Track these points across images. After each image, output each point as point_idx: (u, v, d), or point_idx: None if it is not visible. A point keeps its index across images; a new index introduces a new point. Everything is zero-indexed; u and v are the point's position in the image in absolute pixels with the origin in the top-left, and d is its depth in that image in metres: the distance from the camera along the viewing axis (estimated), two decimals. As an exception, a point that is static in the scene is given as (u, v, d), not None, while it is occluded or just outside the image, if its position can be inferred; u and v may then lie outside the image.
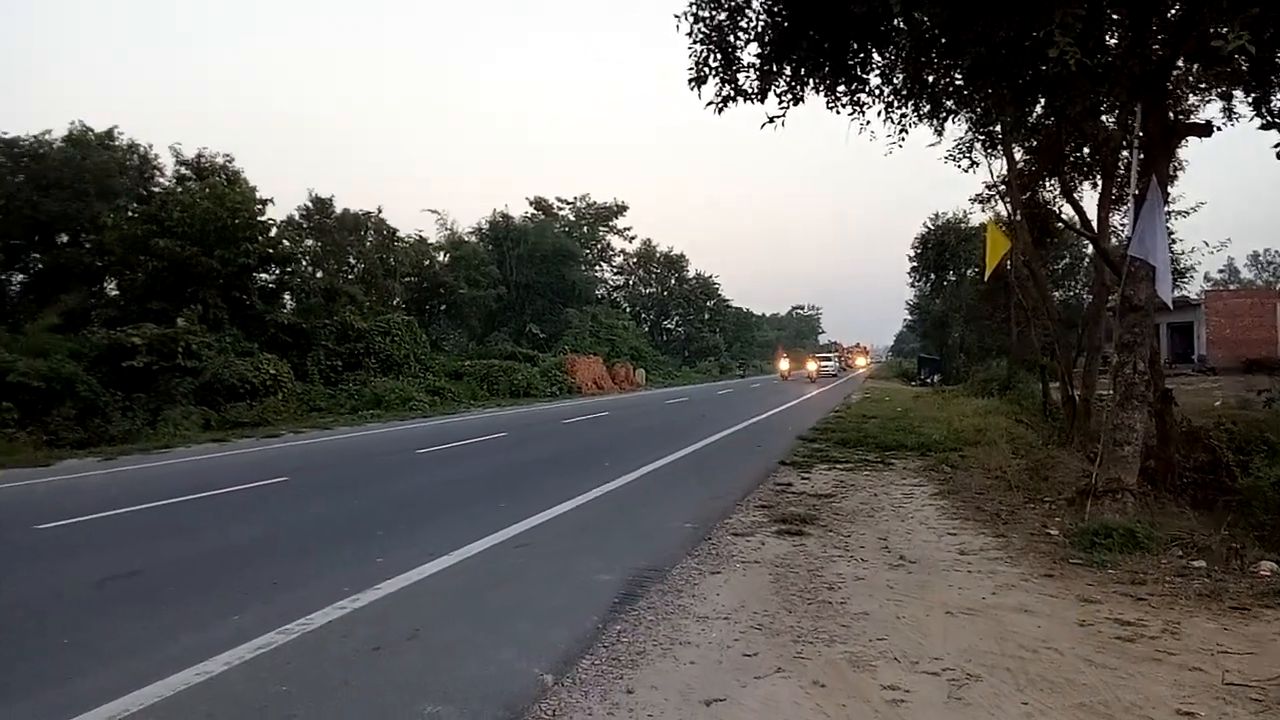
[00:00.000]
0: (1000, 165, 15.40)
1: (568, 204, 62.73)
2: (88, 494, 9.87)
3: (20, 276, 29.87)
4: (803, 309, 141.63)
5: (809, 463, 11.64)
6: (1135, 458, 7.53)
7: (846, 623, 4.67)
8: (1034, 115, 11.00)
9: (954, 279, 42.81)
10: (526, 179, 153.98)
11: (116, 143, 30.59)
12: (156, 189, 29.62)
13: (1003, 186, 16.00)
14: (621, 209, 64.67)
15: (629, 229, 66.23)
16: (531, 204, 60.03)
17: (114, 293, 28.39)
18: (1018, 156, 14.63)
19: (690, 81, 8.81)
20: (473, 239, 49.08)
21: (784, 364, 56.86)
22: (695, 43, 8.74)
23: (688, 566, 5.94)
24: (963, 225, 39.03)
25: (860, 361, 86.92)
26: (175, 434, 17.14)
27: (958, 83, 8.76)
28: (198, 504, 8.85)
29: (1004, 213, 17.78)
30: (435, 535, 6.99)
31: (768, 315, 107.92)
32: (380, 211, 38.87)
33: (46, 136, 28.95)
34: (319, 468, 12.13)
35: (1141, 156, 7.82)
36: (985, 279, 17.45)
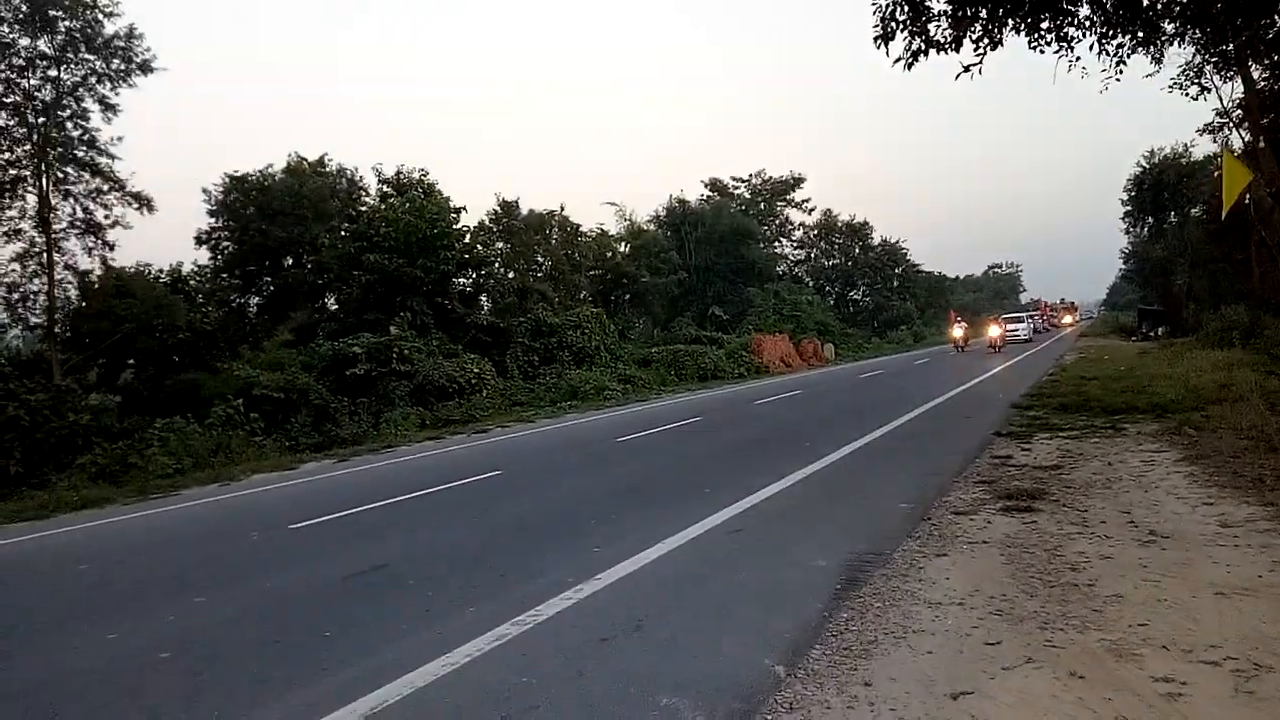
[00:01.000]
0: (1235, 88, 13.72)
1: (743, 182, 62.08)
2: (329, 494, 10.79)
3: (256, 299, 33.24)
4: (1000, 267, 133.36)
5: (1027, 432, 10.86)
6: None
7: (1099, 607, 4.27)
8: (1276, 28, 9.68)
9: (1176, 221, 38.80)
10: (702, 164, 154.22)
11: (327, 169, 33.41)
12: (363, 208, 32.02)
13: (1239, 112, 14.25)
14: (799, 181, 63.22)
15: (808, 201, 64.61)
16: (707, 186, 59.93)
17: (334, 307, 31.07)
18: (1256, 76, 12.96)
19: (876, 39, 8.36)
20: (651, 227, 49.63)
21: (958, 331, 41.09)
22: (880, -4, 8.29)
23: (909, 549, 5.67)
24: (1184, 161, 35.21)
25: (1067, 320, 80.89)
26: (397, 434, 18.49)
27: (1182, 2, 7.83)
28: (425, 500, 9.44)
29: (1240, 141, 15.84)
30: (646, 523, 7.07)
31: (962, 277, 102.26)
32: (563, 209, 40.11)
33: (269, 170, 32.05)
34: (527, 459, 12.66)
35: None
36: (1221, 217, 15.60)
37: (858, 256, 67.48)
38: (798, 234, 66.38)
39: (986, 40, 8.30)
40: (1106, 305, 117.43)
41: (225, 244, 32.81)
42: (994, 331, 38.29)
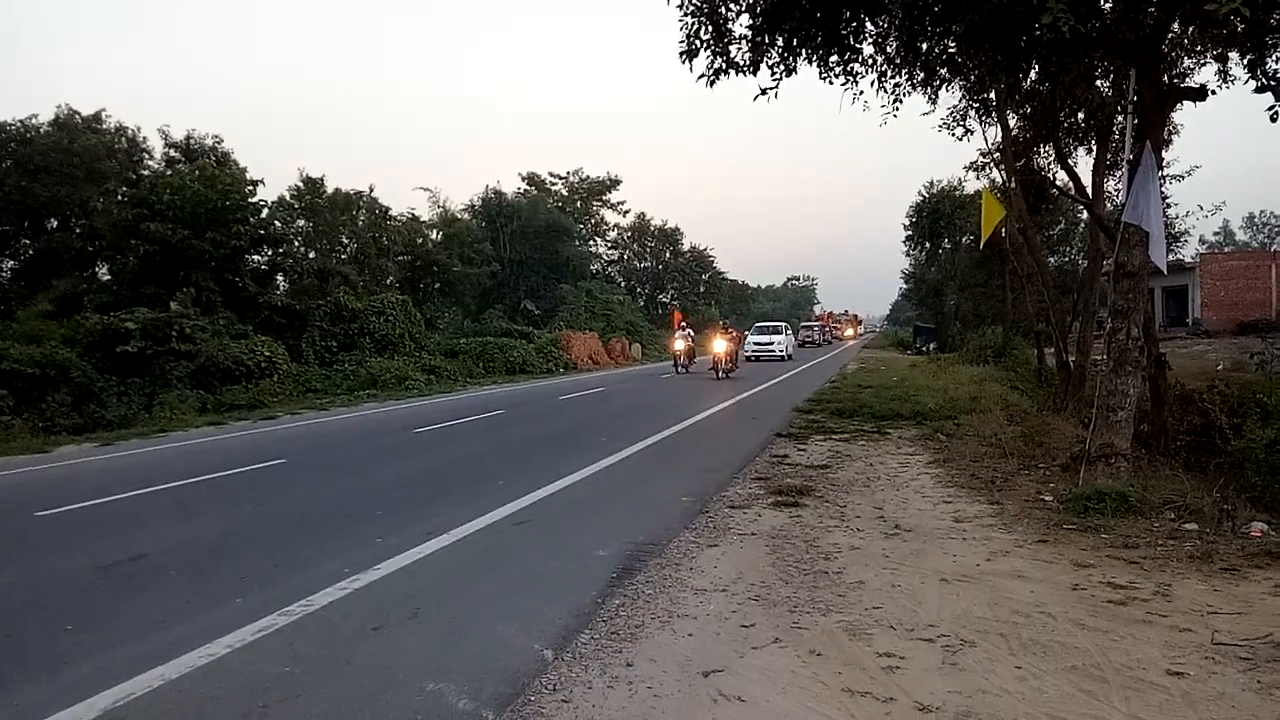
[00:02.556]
0: (995, 133, 15.39)
1: (560, 179, 62.29)
2: (87, 480, 9.89)
3: (11, 263, 29.80)
4: (798, 280, 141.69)
5: (805, 434, 11.70)
6: (1128, 423, 7.59)
7: (843, 592, 4.72)
8: (1028, 82, 10.96)
9: (949, 247, 42.83)
10: (519, 155, 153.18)
11: (104, 126, 30.43)
12: (146, 172, 29.50)
13: (997, 154, 15.96)
14: (615, 183, 64.26)
15: (623, 203, 65.78)
16: (524, 179, 59.66)
17: (106, 278, 28.33)
18: (1012, 123, 14.59)
19: (681, 55, 8.73)
20: (465, 216, 48.82)
21: (679, 343, 29.97)
22: (686, 15, 8.65)
23: (685, 540, 5.99)
24: (957, 193, 38.97)
25: (849, 331, 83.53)
26: (171, 418, 17.13)
27: (951, 50, 8.70)
28: (197, 487, 8.87)
29: (999, 180, 17.75)
30: (434, 514, 7.02)
31: (763, 287, 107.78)
32: (372, 190, 38.72)
33: (33, 120, 28.76)
34: (316, 449, 12.16)
35: (1136, 122, 7.80)
36: (980, 247, 17.43)
37: (668, 261, 69.46)
38: (612, 235, 67.45)
39: (782, 67, 8.87)
40: (889, 321, 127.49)
41: (-27, 197, 29.09)
42: (719, 347, 25.31)
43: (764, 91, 9.22)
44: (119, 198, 26.75)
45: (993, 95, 13.01)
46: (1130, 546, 5.48)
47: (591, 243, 64.19)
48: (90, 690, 3.56)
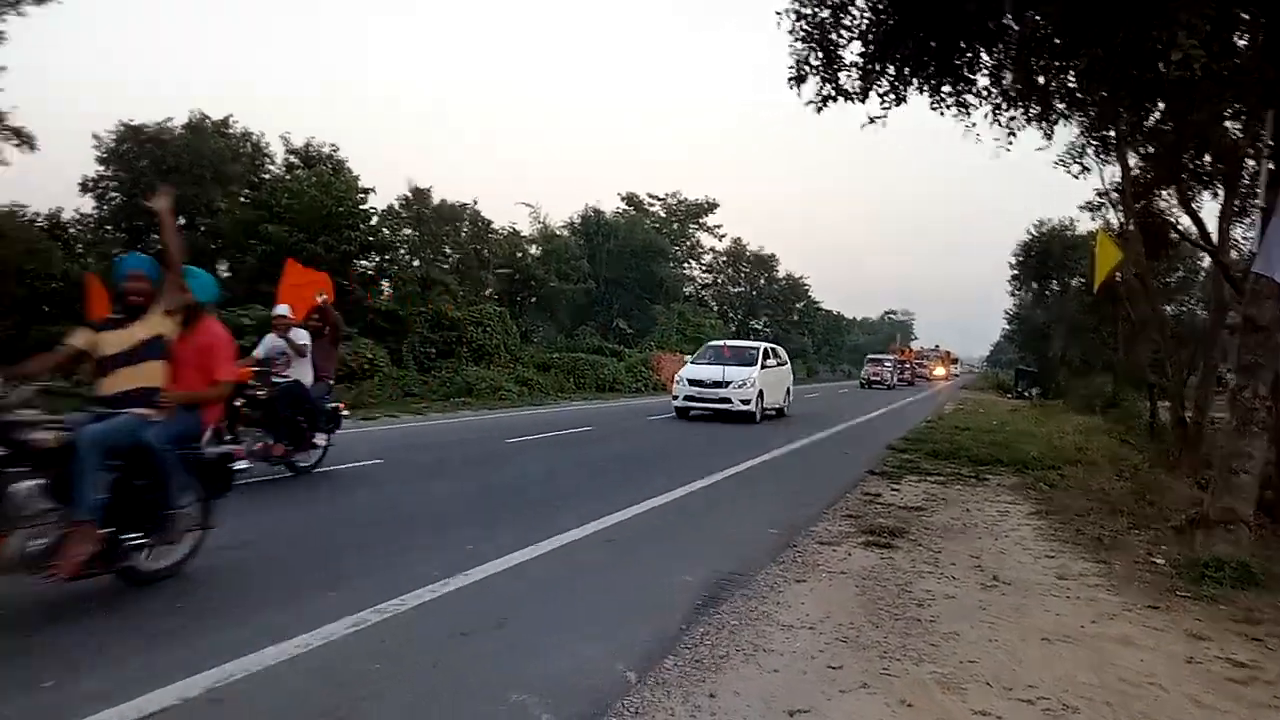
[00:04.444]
0: (1113, 172, 14.76)
1: (659, 200, 62.80)
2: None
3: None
4: (895, 314, 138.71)
5: (899, 473, 11.39)
6: (1252, 487, 7.12)
7: (936, 642, 4.55)
8: (1151, 120, 10.50)
9: (1057, 289, 41.24)
10: (619, 174, 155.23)
11: (231, 130, 32.17)
12: (267, 176, 30.99)
13: (1115, 194, 15.33)
14: (712, 206, 64.38)
15: (719, 227, 65.87)
16: (623, 199, 60.37)
17: (226, 275, 29.81)
18: (1132, 163, 13.98)
19: (790, 80, 8.69)
20: (564, 233, 49.64)
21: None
22: (796, 40, 8.62)
23: (772, 573, 5.88)
24: (1069, 233, 37.50)
25: (939, 371, 74.48)
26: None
27: (1070, 85, 8.44)
28: (297, 480, 9.17)
29: (1115, 222, 17.05)
30: (521, 526, 7.09)
31: (859, 319, 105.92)
32: (476, 203, 39.71)
33: (168, 124, 30.58)
34: (412, 452, 12.47)
35: (1271, 167, 7.37)
36: (1093, 290, 16.72)
37: (762, 287, 69.14)
38: (707, 258, 67.56)
39: (892, 95, 8.74)
40: (989, 362, 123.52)
41: (113, 194, 31.14)
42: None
43: (873, 120, 9.13)
44: (241, 199, 28.18)
45: (1113, 133, 12.51)
46: (1253, 622, 5.12)
47: (686, 265, 64.46)
48: (198, 668, 3.70)
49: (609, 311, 48.38)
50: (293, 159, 30.90)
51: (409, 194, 37.53)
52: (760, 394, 18.86)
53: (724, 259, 68.30)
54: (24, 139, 23.17)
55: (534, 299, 42.46)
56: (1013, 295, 47.83)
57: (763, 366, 19.47)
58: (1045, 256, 40.05)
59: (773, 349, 21.30)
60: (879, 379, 48.65)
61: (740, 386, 18.56)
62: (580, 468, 11.30)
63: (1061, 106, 9.30)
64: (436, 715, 3.42)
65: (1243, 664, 4.38)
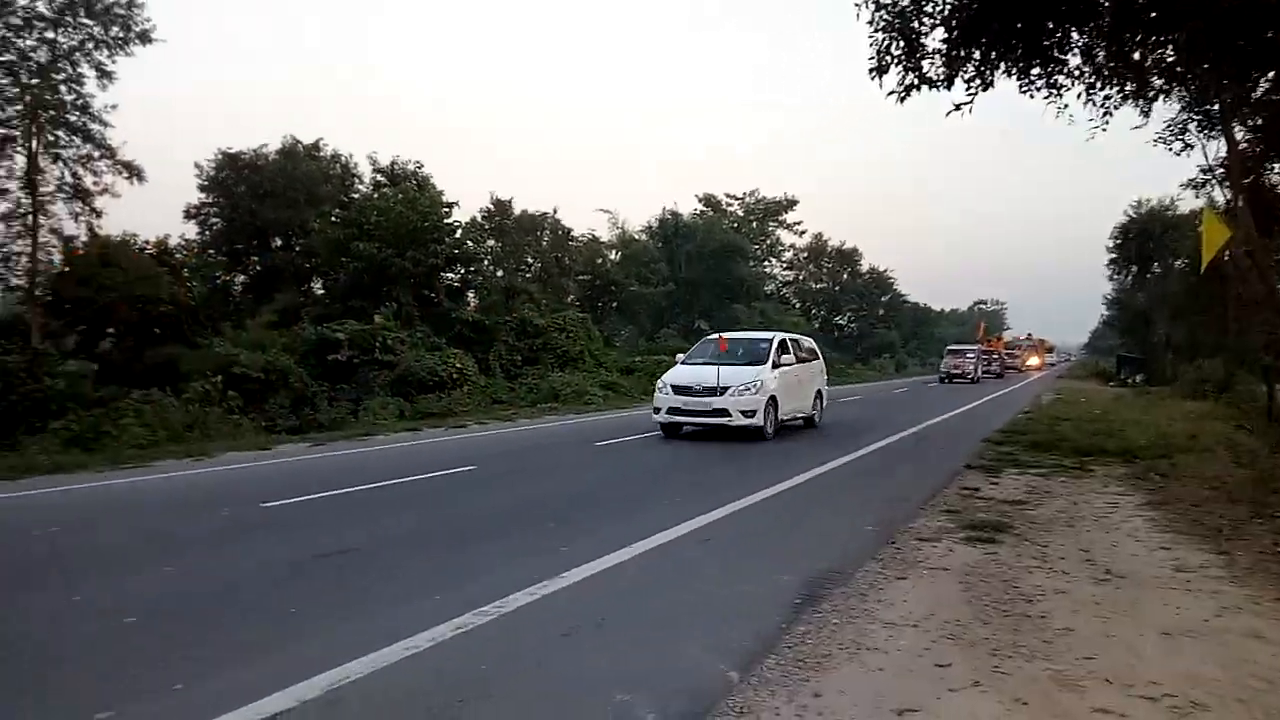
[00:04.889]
0: (1218, 146, 13.97)
1: (737, 200, 62.56)
2: (303, 476, 10.79)
3: (242, 278, 33.14)
4: (985, 304, 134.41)
5: (997, 466, 11.03)
6: (1388, 472, 6.68)
7: (1049, 638, 4.38)
8: (1259, 91, 9.92)
9: (1159, 271, 39.40)
10: (697, 175, 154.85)
11: (322, 153, 33.38)
12: (356, 195, 32.02)
13: (1221, 170, 14.52)
14: (791, 203, 63.78)
15: (799, 223, 65.20)
16: (700, 200, 60.31)
17: (320, 291, 31.03)
18: (1239, 136, 13.20)
19: (871, 71, 8.53)
20: (643, 237, 49.90)
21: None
22: (876, 31, 8.46)
23: (871, 570, 5.77)
24: (1170, 213, 35.78)
25: (1033, 361, 68.08)
26: (374, 422, 18.45)
27: (1169, 60, 8.05)
28: (398, 489, 9.46)
29: (1222, 198, 16.17)
30: (616, 527, 7.14)
31: (947, 311, 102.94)
32: (556, 212, 40.34)
33: (263, 149, 31.98)
34: (503, 457, 12.70)
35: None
36: (1199, 271, 15.90)
37: (845, 282, 68.01)
38: (788, 255, 66.89)
39: (978, 81, 8.49)
40: (1088, 349, 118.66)
41: (214, 220, 32.69)
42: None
43: (958, 107, 8.87)
44: (332, 219, 29.22)
45: (1216, 107, 11.86)
46: (1396, 614, 4.78)
47: (766, 263, 63.94)
48: (313, 670, 3.84)
49: (690, 313, 48.39)
50: (379, 177, 31.88)
51: (491, 206, 38.31)
52: (772, 402, 14.20)
53: (805, 255, 67.48)
54: (133, 172, 24.60)
55: (615, 304, 42.83)
56: (1111, 279, 45.89)
57: (776, 365, 14.64)
58: (1145, 238, 38.43)
59: (793, 341, 16.41)
60: (960, 373, 42.63)
61: (742, 393, 13.76)
62: (671, 468, 11.33)
63: (1159, 82, 8.90)
64: (544, 715, 3.47)
65: (1389, 659, 4.10)
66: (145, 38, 24.02)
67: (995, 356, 52.10)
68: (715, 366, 14.18)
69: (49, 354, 21.35)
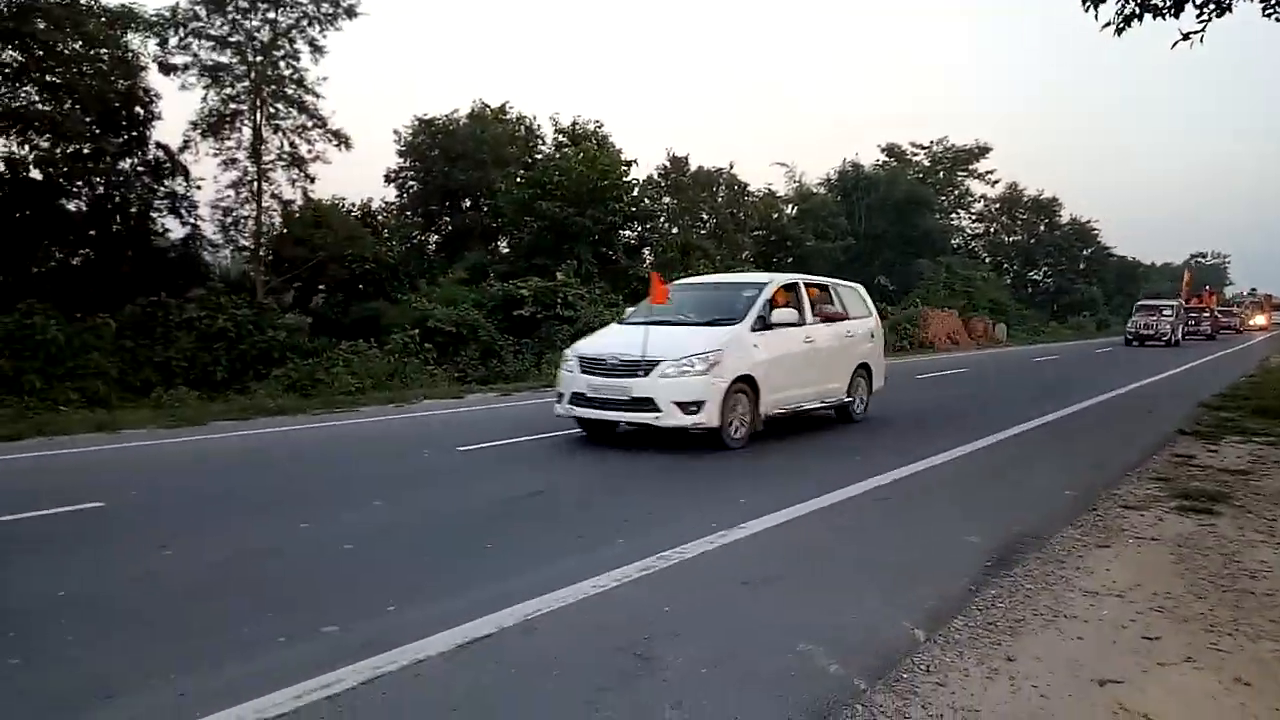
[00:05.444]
0: None
1: (923, 149, 59.37)
2: (493, 423, 11.40)
3: (435, 237, 35.16)
4: (1205, 257, 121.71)
5: (1216, 434, 10.05)
6: None
7: (1277, 618, 4.01)
8: None
9: None
10: (882, 126, 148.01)
11: (508, 116, 34.61)
12: (539, 155, 33.02)
13: None
14: (983, 151, 59.64)
15: (992, 172, 60.99)
16: (883, 150, 57.79)
17: (505, 250, 32.42)
18: None
19: (1085, 1, 7.81)
20: (821, 190, 48.56)
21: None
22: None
23: (1069, 536, 5.45)
24: None
25: (1258, 320, 61.68)
26: (556, 375, 19.20)
27: None
28: (581, 438, 9.78)
29: None
30: (794, 484, 7.10)
31: (1158, 265, 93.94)
32: (732, 167, 39.99)
33: (455, 114, 33.56)
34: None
35: None
36: None
37: (1042, 234, 63.44)
38: (978, 206, 63.03)
39: (1213, 5, 7.57)
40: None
41: (411, 183, 34.76)
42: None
43: (1185, 37, 7.96)
44: (517, 180, 30.31)
45: None
46: None
47: (954, 215, 60.67)
48: (509, 602, 4.10)
49: (870, 268, 46.81)
50: (561, 138, 32.68)
51: (667, 163, 38.45)
52: (744, 388, 8.83)
53: (997, 206, 63.39)
54: (341, 140, 26.48)
55: (791, 259, 42.08)
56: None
57: (765, 325, 9.27)
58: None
59: (818, 287, 10.82)
60: (1153, 333, 35.63)
61: (679, 371, 8.45)
62: (854, 427, 11.08)
63: None
64: (727, 658, 3.54)
65: None
66: (351, 12, 25.65)
67: (1206, 314, 46.31)
68: (655, 327, 9.01)
69: (271, 308, 23.65)
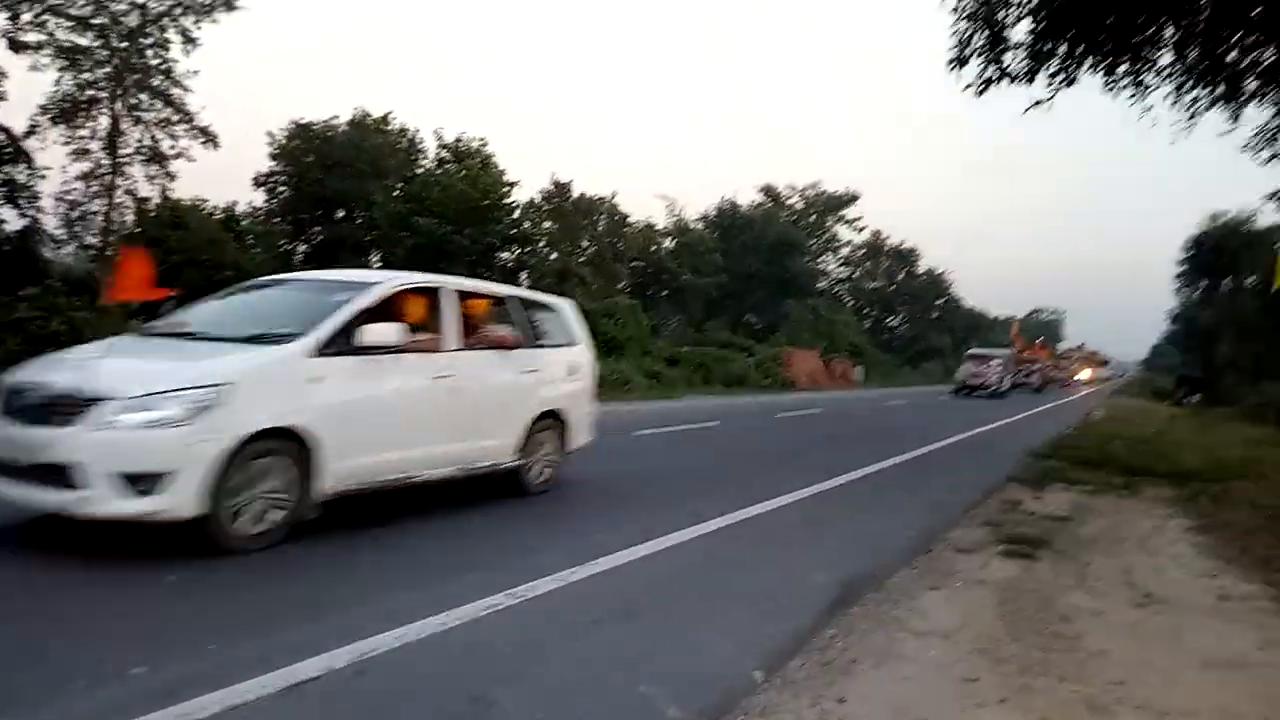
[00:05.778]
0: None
1: (797, 192, 61.83)
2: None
3: (304, 247, 33.86)
4: (1042, 313, 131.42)
5: (1042, 481, 10.82)
6: None
7: (1082, 660, 4.33)
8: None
9: (1230, 288, 38.16)
10: (758, 165, 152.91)
11: (390, 127, 33.85)
12: (420, 170, 32.43)
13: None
14: (852, 198, 62.65)
15: (859, 219, 64.13)
16: (760, 191, 59.77)
17: (378, 264, 31.55)
18: (1337, 147, 12.64)
19: (950, 63, 8.39)
20: (699, 226, 49.73)
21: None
22: (960, 19, 8.30)
23: (905, 578, 5.75)
24: (1246, 228, 34.58)
25: (1083, 375, 67.47)
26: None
27: (1268, 60, 7.77)
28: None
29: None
30: (647, 518, 7.11)
31: (1002, 319, 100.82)
32: (614, 196, 40.38)
33: (334, 121, 32.57)
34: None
35: None
36: (1270, 291, 15.38)
37: (901, 282, 67.02)
38: (845, 251, 66.02)
39: (1061, 76, 8.29)
40: (1145, 365, 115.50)
41: (282, 189, 33.41)
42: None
43: (1037, 103, 8.70)
44: (395, 192, 29.67)
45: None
46: None
47: (822, 259, 63.25)
48: (343, 641, 3.94)
49: (740, 305, 48.21)
50: (444, 153, 32.24)
51: (551, 187, 38.52)
52: (291, 451, 5.39)
53: (862, 252, 66.60)
54: (209, 137, 25.24)
55: (665, 292, 42.84)
56: (1178, 294, 44.54)
57: (347, 350, 5.85)
58: (1218, 252, 37.19)
59: (501, 299, 8.09)
60: (981, 383, 35.38)
61: (134, 422, 4.82)
62: (709, 463, 11.36)
63: (1254, 85, 8.58)
64: (567, 702, 3.53)
65: None
66: (230, 5, 24.54)
67: (1037, 366, 46.94)
68: (137, 344, 6.54)
69: (115, 312, 22.10)
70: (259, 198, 33.23)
